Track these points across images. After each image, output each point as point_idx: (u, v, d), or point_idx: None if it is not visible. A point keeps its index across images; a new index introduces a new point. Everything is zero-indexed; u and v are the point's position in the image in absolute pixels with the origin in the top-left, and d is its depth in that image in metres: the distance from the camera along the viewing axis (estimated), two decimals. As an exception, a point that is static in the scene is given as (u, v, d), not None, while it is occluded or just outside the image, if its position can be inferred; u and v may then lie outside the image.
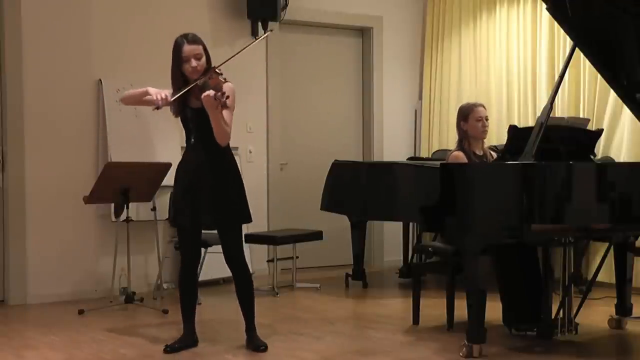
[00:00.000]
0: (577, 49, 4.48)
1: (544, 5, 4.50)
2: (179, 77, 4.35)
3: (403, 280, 6.80)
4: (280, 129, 7.36)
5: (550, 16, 4.65)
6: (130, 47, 6.42)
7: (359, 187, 5.96)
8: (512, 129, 4.60)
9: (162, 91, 4.27)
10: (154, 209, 5.93)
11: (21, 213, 6.00)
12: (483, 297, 4.20)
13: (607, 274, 5.67)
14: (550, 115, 4.35)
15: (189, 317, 4.55)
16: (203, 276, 5.89)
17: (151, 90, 4.30)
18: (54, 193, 6.08)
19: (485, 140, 5.20)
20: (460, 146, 5.07)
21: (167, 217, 4.74)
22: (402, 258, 7.01)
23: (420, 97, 8.01)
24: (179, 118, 4.48)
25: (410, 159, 7.46)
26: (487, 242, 4.14)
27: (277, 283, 6.37)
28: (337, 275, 6.90)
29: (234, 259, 4.48)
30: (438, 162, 5.00)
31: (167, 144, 6.25)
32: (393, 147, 7.86)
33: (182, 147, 4.61)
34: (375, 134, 7.85)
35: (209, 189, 4.37)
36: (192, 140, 4.45)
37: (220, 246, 4.54)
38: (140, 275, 6.36)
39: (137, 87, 5.78)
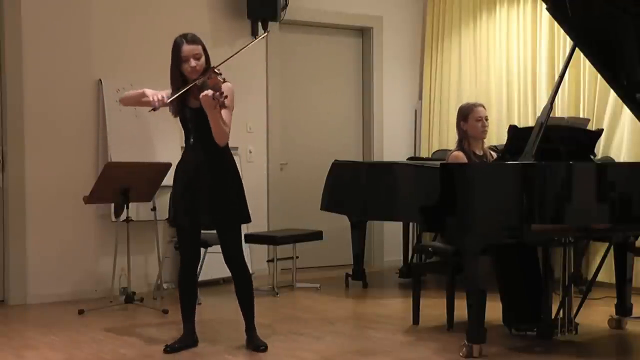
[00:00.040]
0: (577, 49, 4.48)
1: (544, 5, 4.50)
2: (178, 77, 4.35)
3: (403, 280, 6.80)
4: (280, 129, 7.36)
5: (550, 16, 4.65)
6: (130, 47, 6.42)
7: (359, 187, 5.96)
8: (512, 129, 4.60)
9: (158, 92, 4.27)
10: (154, 209, 5.93)
11: (21, 213, 6.00)
12: (483, 297, 4.20)
13: (607, 274, 5.67)
14: (550, 115, 4.35)
15: (189, 317, 4.55)
16: (203, 276, 5.89)
17: (148, 91, 4.30)
18: (54, 193, 6.08)
19: (485, 140, 5.20)
20: (460, 146, 5.07)
21: (167, 217, 4.74)
22: (402, 258, 7.01)
23: (420, 97, 8.01)
24: (178, 118, 4.48)
25: (410, 159, 7.46)
26: (487, 242, 4.14)
27: (277, 283, 6.37)
28: (337, 275, 6.90)
29: (233, 259, 4.48)
30: (438, 162, 5.00)
31: (167, 144, 6.25)
32: (393, 147, 7.86)
33: (182, 147, 4.61)
34: (375, 134, 7.85)
35: (207, 189, 4.37)
36: (192, 140, 4.45)
37: (220, 246, 4.54)
38: (140, 275, 6.36)
39: (137, 87, 5.78)
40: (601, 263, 4.89)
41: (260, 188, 7.15)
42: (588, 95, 6.41)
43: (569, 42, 5.76)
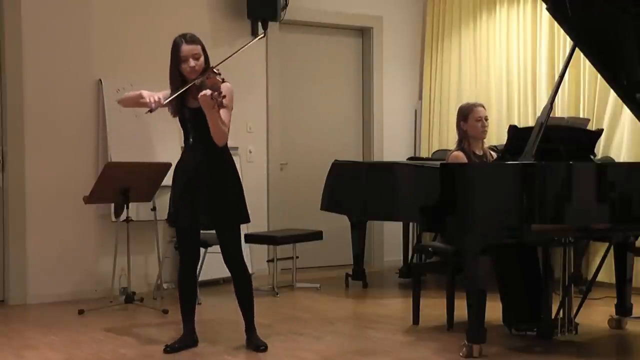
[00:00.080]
0: (577, 49, 4.48)
1: (544, 5, 4.50)
2: (177, 77, 4.35)
3: (403, 280, 6.80)
4: (280, 129, 7.36)
5: (550, 16, 4.65)
6: (130, 47, 6.42)
7: (359, 187, 5.96)
8: (512, 129, 4.60)
9: (155, 94, 4.28)
10: (154, 209, 5.93)
11: (21, 213, 6.00)
12: (483, 297, 4.20)
13: (607, 274, 5.67)
14: (550, 115, 4.35)
15: (189, 317, 4.55)
16: (203, 276, 5.89)
17: (145, 93, 4.30)
18: (54, 193, 6.08)
19: (485, 140, 5.20)
20: (460, 146, 5.07)
21: (166, 217, 4.74)
22: (402, 258, 7.01)
23: (420, 97, 8.01)
24: (177, 118, 4.48)
25: (410, 159, 7.46)
26: (487, 242, 4.14)
27: (277, 283, 6.37)
28: (337, 275, 6.89)
29: (233, 259, 4.48)
30: (438, 162, 5.00)
31: (167, 144, 6.25)
32: (393, 147, 7.86)
33: (182, 147, 4.62)
34: (375, 134, 7.85)
35: (206, 188, 4.37)
36: (191, 140, 4.45)
37: (219, 246, 4.54)
38: (140, 275, 6.36)
39: (137, 87, 5.77)
40: (601, 263, 4.89)
41: (260, 188, 7.15)
42: (588, 95, 6.41)
43: (569, 42, 5.76)
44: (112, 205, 5.94)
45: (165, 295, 6.13)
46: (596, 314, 5.20)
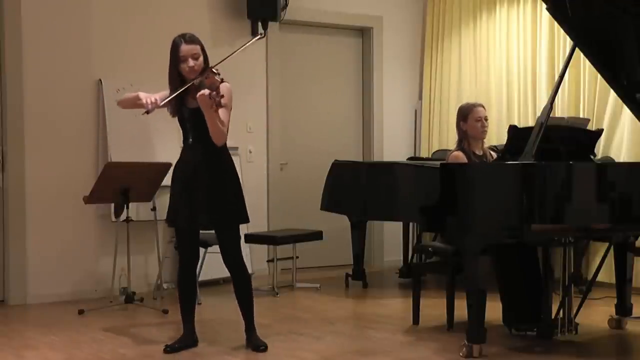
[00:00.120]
0: (577, 49, 4.48)
1: (544, 5, 4.50)
2: (176, 77, 4.36)
3: (403, 280, 6.80)
4: (280, 129, 7.36)
5: (550, 16, 4.65)
6: (130, 47, 6.42)
7: (359, 187, 5.96)
8: (512, 129, 4.60)
9: (151, 95, 4.28)
10: (154, 209, 5.93)
11: (21, 213, 6.00)
12: (483, 297, 4.20)
13: (607, 274, 5.67)
14: (550, 115, 4.35)
15: (189, 317, 4.55)
16: (203, 276, 5.90)
17: (142, 94, 4.30)
18: (54, 193, 6.08)
19: (485, 140, 5.20)
20: (460, 146, 5.07)
21: (165, 217, 4.74)
22: (402, 258, 7.01)
23: (420, 97, 8.01)
24: (177, 118, 4.49)
25: (410, 159, 7.46)
26: (487, 242, 4.14)
27: (277, 283, 6.37)
28: (337, 275, 6.89)
29: (232, 259, 4.47)
30: (438, 162, 5.00)
31: (167, 144, 6.24)
32: (393, 147, 7.86)
33: (181, 147, 4.62)
34: (375, 134, 7.85)
35: (205, 188, 4.37)
36: (190, 140, 4.45)
37: (218, 246, 4.54)
38: (140, 275, 6.36)
39: (137, 87, 5.78)
40: (601, 263, 4.89)
41: (260, 188, 7.15)
42: (588, 95, 6.41)
43: (569, 42, 5.76)
44: (112, 205, 5.93)
45: (165, 295, 6.13)
46: (596, 314, 5.20)
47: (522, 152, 4.21)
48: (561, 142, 4.55)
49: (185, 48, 4.30)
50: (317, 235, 6.60)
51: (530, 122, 6.43)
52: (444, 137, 7.64)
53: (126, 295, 5.76)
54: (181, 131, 4.55)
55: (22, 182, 6.01)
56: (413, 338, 4.82)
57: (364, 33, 7.90)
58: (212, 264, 5.75)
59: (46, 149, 6.09)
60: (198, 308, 4.68)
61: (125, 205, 5.65)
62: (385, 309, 5.81)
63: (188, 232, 4.49)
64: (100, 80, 6.25)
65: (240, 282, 4.53)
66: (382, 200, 5.66)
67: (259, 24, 6.98)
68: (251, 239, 6.39)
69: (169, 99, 4.29)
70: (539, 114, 4.92)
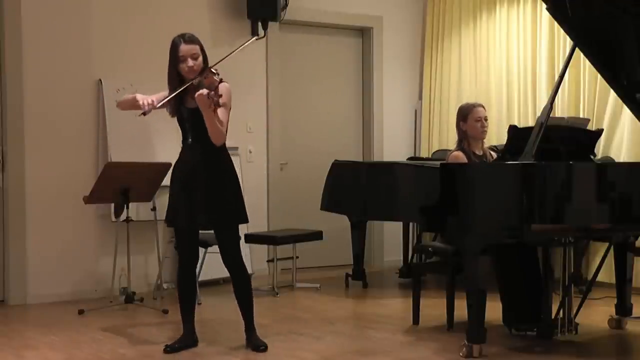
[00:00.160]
0: (577, 49, 4.48)
1: (544, 5, 4.50)
2: (175, 77, 4.36)
3: (403, 280, 6.80)
4: (280, 129, 7.36)
5: (550, 16, 4.65)
6: (130, 47, 6.42)
7: (359, 187, 5.96)
8: (512, 129, 4.60)
9: (148, 97, 4.28)
10: (154, 209, 5.93)
11: (21, 213, 6.00)
12: (483, 297, 4.20)
13: (607, 274, 5.67)
14: (550, 115, 4.35)
15: (189, 317, 4.55)
16: (203, 276, 5.90)
17: (138, 96, 4.31)
18: (54, 193, 6.08)
19: (485, 140, 5.20)
20: (460, 146, 5.07)
21: (165, 217, 4.74)
22: (402, 258, 7.01)
23: (420, 97, 8.01)
24: (176, 118, 4.49)
25: (410, 159, 7.46)
26: (487, 242, 4.14)
27: (277, 283, 6.37)
28: (337, 275, 6.89)
29: (231, 259, 4.47)
30: (438, 162, 5.00)
31: (167, 144, 6.23)
32: (393, 147, 7.86)
33: (181, 147, 4.62)
34: (375, 134, 7.85)
35: (204, 188, 4.37)
36: (189, 140, 4.46)
37: (217, 246, 4.54)
38: (140, 275, 6.36)
39: (137, 87, 5.78)
40: (601, 263, 4.89)
41: (260, 188, 7.15)
42: (588, 95, 6.41)
43: (569, 42, 5.76)
44: (112, 205, 5.93)
45: (165, 295, 6.13)
46: (596, 314, 5.20)
47: (522, 152, 4.21)
48: (561, 142, 4.55)
49: (184, 48, 4.30)
50: (317, 235, 6.60)
51: (530, 122, 6.43)
52: (444, 137, 7.64)
53: (126, 295, 5.76)
54: (180, 131, 4.54)
55: (22, 182, 6.01)
56: (413, 338, 4.82)
57: (364, 33, 7.90)
58: (212, 264, 5.75)
59: (46, 149, 6.09)
60: (198, 308, 4.68)
61: (125, 205, 5.65)
62: (385, 309, 5.81)
63: (187, 232, 4.49)
64: (100, 80, 6.26)
65: (239, 282, 4.53)
66: (382, 200, 5.66)
67: (259, 24, 6.98)
68: (251, 239, 6.39)
69: (167, 99, 4.30)
70: (539, 114, 4.92)
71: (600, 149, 6.05)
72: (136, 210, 5.99)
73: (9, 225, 5.99)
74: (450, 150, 5.44)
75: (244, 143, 7.01)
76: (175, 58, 4.33)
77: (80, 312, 5.55)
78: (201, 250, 5.08)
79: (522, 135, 4.37)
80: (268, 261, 6.85)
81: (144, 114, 4.25)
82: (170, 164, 4.68)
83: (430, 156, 7.42)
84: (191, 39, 4.34)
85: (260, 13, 6.92)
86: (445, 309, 4.94)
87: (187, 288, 4.55)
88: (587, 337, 4.72)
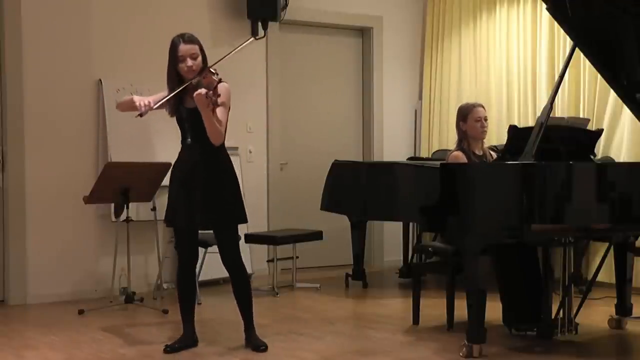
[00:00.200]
0: (577, 49, 4.48)
1: (544, 5, 4.50)
2: (175, 77, 4.36)
3: (403, 280, 6.80)
4: (280, 129, 7.36)
5: (550, 16, 4.65)
6: (130, 47, 6.42)
7: (359, 187, 5.96)
8: (512, 129, 4.60)
9: (145, 98, 4.29)
10: (154, 209, 5.93)
11: (21, 213, 6.00)
12: (483, 297, 4.20)
13: (607, 274, 5.67)
14: (550, 115, 4.35)
15: (189, 317, 4.55)
16: (203, 276, 5.90)
17: (135, 98, 4.32)
18: (54, 193, 6.08)
19: (485, 140, 5.20)
20: (460, 146, 5.07)
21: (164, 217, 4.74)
22: (402, 258, 7.01)
23: (420, 97, 8.01)
24: (175, 118, 4.49)
25: (410, 159, 7.46)
26: (487, 242, 4.14)
27: (277, 283, 6.37)
28: (337, 275, 6.89)
29: (230, 259, 4.47)
30: (438, 162, 5.00)
31: (167, 144, 6.22)
32: (393, 147, 7.86)
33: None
34: (375, 134, 7.85)
35: (203, 188, 4.37)
36: (188, 140, 4.46)
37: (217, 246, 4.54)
38: (140, 275, 6.36)
39: (137, 87, 5.79)
40: (601, 263, 4.89)
41: (260, 188, 7.15)
42: (588, 95, 6.41)
43: (569, 42, 5.76)
44: (112, 205, 5.93)
45: (165, 295, 6.13)
46: (596, 314, 5.20)
47: (522, 152, 4.21)
48: (561, 142, 4.55)
49: (183, 48, 4.30)
50: (317, 235, 6.60)
51: (530, 122, 6.43)
52: (444, 137, 7.64)
53: (126, 295, 5.76)
54: (180, 131, 4.55)
55: (22, 182, 6.01)
56: (413, 338, 4.82)
57: (364, 33, 7.90)
58: (212, 264, 5.74)
59: (46, 149, 6.09)
60: (198, 308, 4.68)
61: (125, 205, 5.65)
62: (385, 309, 5.81)
63: (186, 231, 4.49)
64: (100, 80, 6.26)
65: (239, 282, 4.52)
66: (382, 200, 5.66)
67: (259, 24, 6.98)
68: (251, 239, 6.39)
69: (165, 99, 4.31)
70: (539, 114, 4.92)
71: (600, 149, 6.05)
72: (136, 210, 5.99)
73: (9, 225, 5.99)
74: (450, 150, 5.44)
75: (244, 143, 7.01)
76: (174, 58, 4.33)
77: (80, 312, 5.55)
78: (201, 250, 5.08)
79: (522, 135, 4.37)
80: (268, 261, 6.85)
81: (140, 115, 4.26)
82: (170, 164, 4.69)
83: (430, 156, 7.42)
84: (190, 39, 4.34)
85: (260, 13, 6.92)
86: (445, 309, 4.95)
87: (186, 288, 4.55)
88: (587, 337, 4.72)
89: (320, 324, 5.21)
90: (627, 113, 5.83)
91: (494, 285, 4.60)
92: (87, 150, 6.25)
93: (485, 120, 5.10)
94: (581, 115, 6.36)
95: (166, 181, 5.45)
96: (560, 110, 6.48)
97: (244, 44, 4.51)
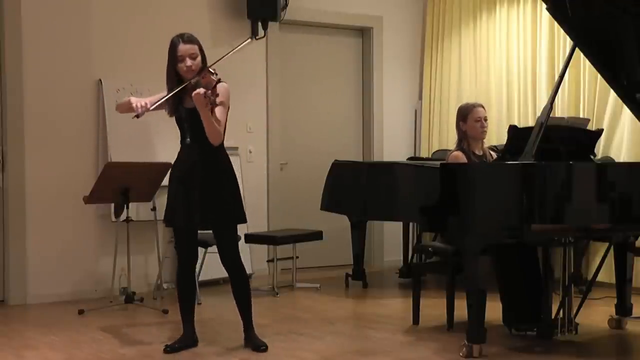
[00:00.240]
0: (577, 49, 4.48)
1: (544, 5, 4.50)
2: (174, 77, 4.36)
3: (403, 280, 6.80)
4: (280, 129, 7.36)
5: (550, 16, 4.65)
6: (130, 47, 6.42)
7: (359, 187, 5.96)
8: (512, 129, 4.60)
9: (142, 100, 4.29)
10: (154, 209, 5.93)
11: (21, 213, 6.00)
12: (483, 297, 4.20)
13: (607, 274, 5.67)
14: (550, 115, 4.35)
15: (188, 316, 4.55)
16: (203, 276, 5.90)
17: (132, 99, 4.32)
18: (54, 193, 6.08)
19: (485, 140, 5.20)
20: (460, 146, 5.07)
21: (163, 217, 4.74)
22: (402, 258, 7.01)
23: (420, 97, 8.01)
24: (174, 118, 4.49)
25: (410, 159, 7.46)
26: (487, 242, 4.14)
27: (277, 283, 6.37)
28: (337, 275, 6.89)
29: (229, 259, 4.47)
30: (438, 162, 5.00)
31: (167, 144, 6.21)
32: (393, 147, 7.86)
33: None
34: (375, 134, 7.85)
35: (202, 188, 4.37)
36: (188, 139, 4.46)
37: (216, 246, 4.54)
38: (140, 275, 6.36)
39: (137, 87, 5.79)
40: (601, 263, 4.89)
41: (260, 188, 7.15)
42: (588, 95, 6.41)
43: (569, 42, 5.76)
44: (112, 205, 5.93)
45: (165, 295, 6.13)
46: (596, 314, 5.20)
47: (522, 152, 4.21)
48: (561, 142, 4.55)
49: (183, 48, 4.30)
50: (317, 235, 6.60)
51: (530, 122, 6.43)
52: (444, 137, 7.64)
53: (126, 295, 5.76)
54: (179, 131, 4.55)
55: (22, 182, 6.00)
56: (413, 338, 4.82)
57: (364, 33, 7.90)
58: (211, 264, 5.74)
59: (46, 149, 6.09)
60: (198, 308, 4.68)
61: (125, 205, 5.65)
62: (385, 309, 5.81)
63: (185, 231, 4.49)
64: (100, 80, 6.26)
65: (238, 282, 4.52)
66: (382, 200, 5.66)
67: (259, 24, 6.98)
68: (251, 239, 6.39)
69: (163, 99, 4.31)
70: (539, 114, 4.92)
71: (600, 149, 6.05)
72: (136, 210, 5.99)
73: (9, 225, 5.99)
74: (450, 150, 5.44)
75: (244, 143, 7.01)
76: (173, 58, 4.33)
77: (80, 312, 5.55)
78: (201, 250, 5.08)
79: (522, 135, 4.37)
80: (268, 261, 6.85)
81: (137, 116, 4.26)
82: (170, 164, 4.69)
83: (430, 156, 7.42)
84: (190, 39, 4.34)
85: (260, 13, 6.92)
86: (445, 309, 4.94)
87: (186, 288, 4.55)
88: (587, 337, 4.72)
89: (320, 324, 5.21)
90: (627, 113, 5.83)
91: (494, 285, 4.60)
92: (87, 150, 6.25)
93: (485, 120, 5.10)
94: (581, 115, 6.36)
95: (166, 181, 5.45)
96: (560, 110, 6.48)
97: (242, 44, 4.52)
